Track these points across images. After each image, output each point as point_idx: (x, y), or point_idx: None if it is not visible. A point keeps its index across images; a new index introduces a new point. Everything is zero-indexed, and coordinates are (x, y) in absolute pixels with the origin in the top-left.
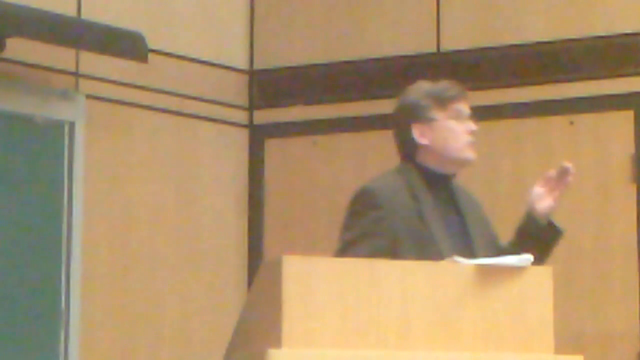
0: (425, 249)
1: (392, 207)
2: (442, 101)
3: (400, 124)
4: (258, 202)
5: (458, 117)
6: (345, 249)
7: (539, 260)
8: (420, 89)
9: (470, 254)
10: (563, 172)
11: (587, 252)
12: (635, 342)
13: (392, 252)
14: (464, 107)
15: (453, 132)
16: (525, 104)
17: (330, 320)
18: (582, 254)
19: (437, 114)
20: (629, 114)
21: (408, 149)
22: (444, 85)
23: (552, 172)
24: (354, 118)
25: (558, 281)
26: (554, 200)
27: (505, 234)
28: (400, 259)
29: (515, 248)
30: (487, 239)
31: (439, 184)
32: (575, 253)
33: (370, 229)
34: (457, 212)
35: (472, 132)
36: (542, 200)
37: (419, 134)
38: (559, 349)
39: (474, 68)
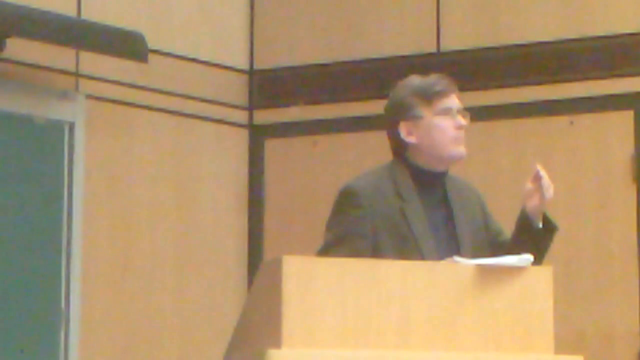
0: (405, 248)
1: (373, 206)
2: (428, 98)
3: (388, 122)
4: (258, 202)
5: (445, 113)
6: (326, 250)
7: (537, 254)
8: (407, 86)
9: (455, 253)
10: (536, 176)
11: (587, 252)
12: (635, 342)
13: (373, 251)
14: (451, 102)
15: (439, 129)
16: (525, 104)
17: (330, 320)
18: (582, 254)
19: (423, 112)
20: (629, 114)
21: (398, 147)
22: (431, 81)
23: (537, 171)
24: (354, 118)
25: (558, 281)
26: (539, 199)
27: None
28: (381, 258)
29: (515, 241)
30: (478, 237)
31: (429, 181)
32: (575, 253)
33: (350, 230)
34: (448, 210)
35: (460, 127)
36: (531, 198)
37: (406, 133)
38: (559, 349)
39: (474, 68)
